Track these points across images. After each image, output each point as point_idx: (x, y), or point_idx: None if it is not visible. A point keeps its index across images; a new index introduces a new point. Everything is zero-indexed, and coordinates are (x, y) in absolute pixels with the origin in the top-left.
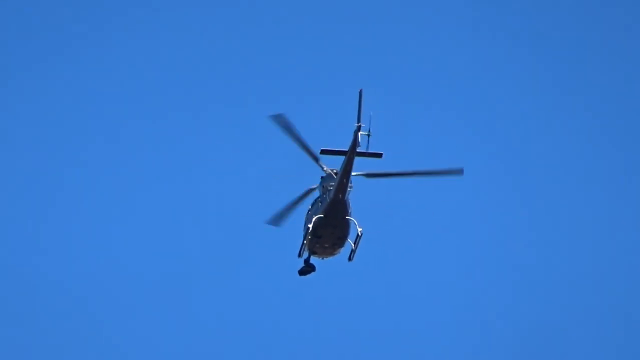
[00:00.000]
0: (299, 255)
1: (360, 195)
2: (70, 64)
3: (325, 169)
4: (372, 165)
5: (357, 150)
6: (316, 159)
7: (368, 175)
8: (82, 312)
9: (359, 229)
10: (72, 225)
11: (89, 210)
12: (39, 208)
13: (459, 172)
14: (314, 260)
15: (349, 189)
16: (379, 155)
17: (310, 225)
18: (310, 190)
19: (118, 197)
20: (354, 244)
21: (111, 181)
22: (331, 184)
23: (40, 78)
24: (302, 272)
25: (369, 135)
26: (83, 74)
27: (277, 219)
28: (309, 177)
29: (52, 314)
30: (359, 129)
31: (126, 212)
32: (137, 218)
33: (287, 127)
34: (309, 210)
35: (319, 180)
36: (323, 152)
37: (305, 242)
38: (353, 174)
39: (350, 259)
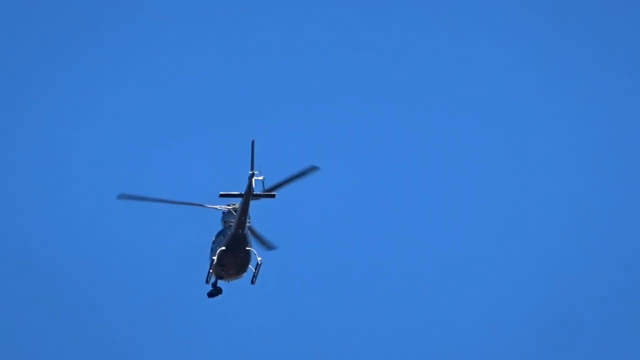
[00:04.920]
0: (206, 282)
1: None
2: None
3: (226, 206)
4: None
5: (253, 193)
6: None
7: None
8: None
9: (259, 259)
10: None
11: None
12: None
13: (314, 169)
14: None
15: (247, 224)
16: (273, 196)
17: (215, 258)
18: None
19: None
20: (255, 269)
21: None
22: (231, 220)
23: None
24: (211, 294)
25: (263, 180)
26: None
27: (129, 198)
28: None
29: None
30: (252, 175)
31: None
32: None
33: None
34: (213, 242)
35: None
36: (222, 195)
37: (211, 270)
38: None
39: (252, 282)
